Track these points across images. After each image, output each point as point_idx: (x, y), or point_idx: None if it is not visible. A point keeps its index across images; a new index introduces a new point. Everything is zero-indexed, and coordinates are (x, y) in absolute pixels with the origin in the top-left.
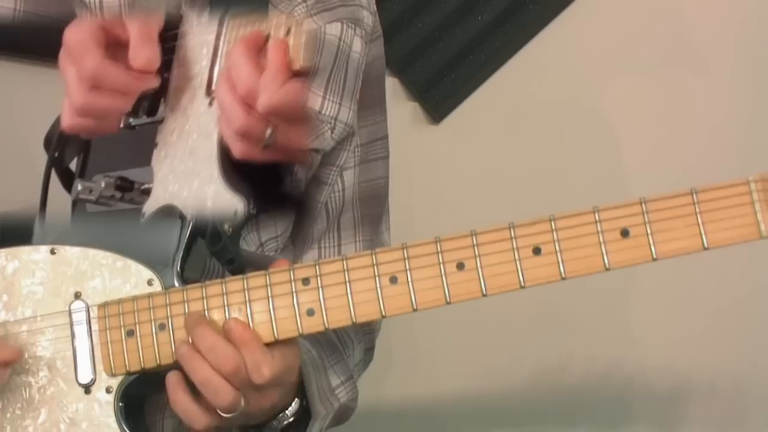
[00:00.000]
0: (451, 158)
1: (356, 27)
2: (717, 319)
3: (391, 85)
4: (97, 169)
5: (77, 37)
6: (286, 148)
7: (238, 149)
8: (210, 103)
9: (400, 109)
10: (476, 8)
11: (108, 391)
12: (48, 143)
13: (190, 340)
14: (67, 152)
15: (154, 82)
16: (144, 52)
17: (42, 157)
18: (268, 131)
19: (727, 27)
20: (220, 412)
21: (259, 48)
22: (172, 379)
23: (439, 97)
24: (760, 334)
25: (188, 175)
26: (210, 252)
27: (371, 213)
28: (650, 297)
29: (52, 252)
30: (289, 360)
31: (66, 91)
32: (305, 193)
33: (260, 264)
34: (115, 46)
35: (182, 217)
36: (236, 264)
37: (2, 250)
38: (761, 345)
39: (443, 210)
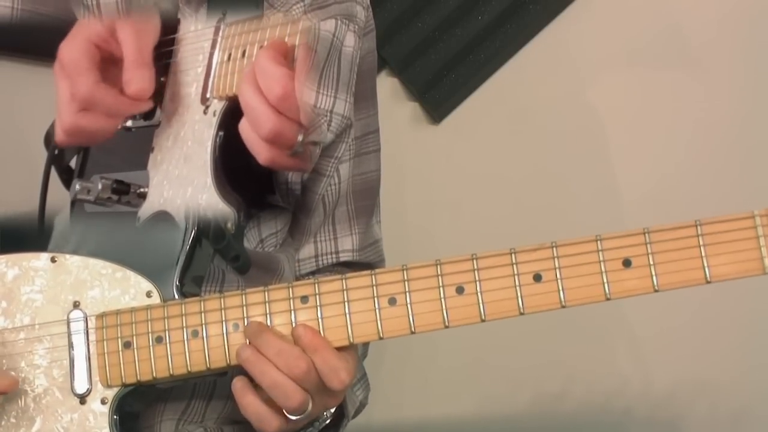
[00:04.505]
0: (451, 158)
1: (350, 22)
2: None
3: (391, 85)
4: (96, 169)
5: (71, 55)
6: (307, 156)
7: (265, 155)
8: (205, 111)
9: (400, 109)
10: (476, 8)
11: (103, 402)
12: (48, 140)
13: (254, 347)
14: (66, 150)
15: (147, 106)
16: (138, 79)
17: (42, 157)
18: (300, 137)
19: (729, 29)
20: (288, 415)
21: (285, 54)
22: (239, 385)
23: (439, 97)
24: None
25: (182, 181)
26: (215, 250)
27: (365, 206)
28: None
29: (53, 260)
30: (355, 362)
31: (57, 108)
32: (303, 189)
33: (259, 262)
34: (109, 62)
35: (185, 227)
36: (241, 261)
37: (3, 256)
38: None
39: (443, 210)
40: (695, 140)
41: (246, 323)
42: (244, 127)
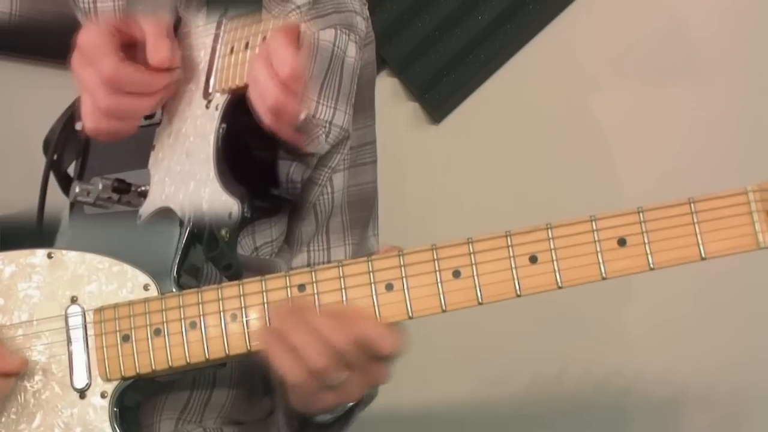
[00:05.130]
0: (451, 158)
1: (350, 32)
2: (715, 325)
3: (391, 85)
4: (95, 172)
5: (91, 40)
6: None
7: (269, 119)
8: (207, 106)
9: (400, 109)
10: (476, 8)
11: (103, 396)
12: (47, 146)
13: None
14: (65, 155)
15: (175, 77)
16: (162, 48)
17: (41, 157)
18: (303, 114)
19: (729, 28)
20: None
21: (297, 36)
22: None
23: (439, 97)
24: (759, 341)
25: (184, 176)
26: (207, 258)
27: (360, 217)
28: (648, 303)
29: (49, 256)
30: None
31: (87, 93)
32: (297, 196)
33: (255, 267)
34: (129, 47)
35: (180, 222)
36: (233, 270)
37: None
38: (759, 351)
39: (443, 210)
40: (696, 140)
41: (244, 314)
42: (252, 94)
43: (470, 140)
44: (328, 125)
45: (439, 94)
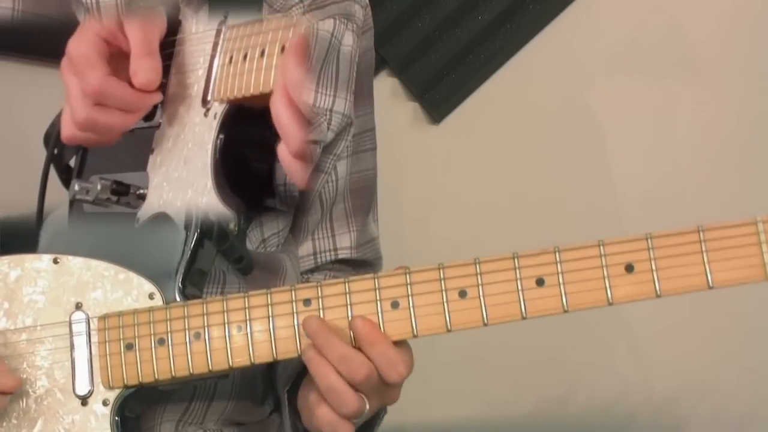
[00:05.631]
0: (451, 158)
1: (348, 22)
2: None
3: (391, 85)
4: (95, 169)
5: (80, 50)
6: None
7: (300, 176)
8: (205, 114)
9: (400, 109)
10: (476, 8)
11: (105, 403)
12: (48, 140)
13: (317, 348)
14: (66, 150)
15: (157, 98)
16: (144, 69)
17: (41, 156)
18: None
19: (729, 29)
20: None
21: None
22: (314, 398)
23: (439, 97)
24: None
25: (182, 183)
26: (218, 251)
27: (362, 203)
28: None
29: (55, 261)
30: (411, 355)
31: (68, 102)
32: (299, 194)
33: (261, 263)
34: (118, 57)
35: (186, 228)
36: (244, 262)
37: (5, 257)
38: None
39: (442, 210)
40: (695, 140)
41: (249, 327)
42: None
43: (470, 140)
44: (328, 113)
45: (439, 94)
